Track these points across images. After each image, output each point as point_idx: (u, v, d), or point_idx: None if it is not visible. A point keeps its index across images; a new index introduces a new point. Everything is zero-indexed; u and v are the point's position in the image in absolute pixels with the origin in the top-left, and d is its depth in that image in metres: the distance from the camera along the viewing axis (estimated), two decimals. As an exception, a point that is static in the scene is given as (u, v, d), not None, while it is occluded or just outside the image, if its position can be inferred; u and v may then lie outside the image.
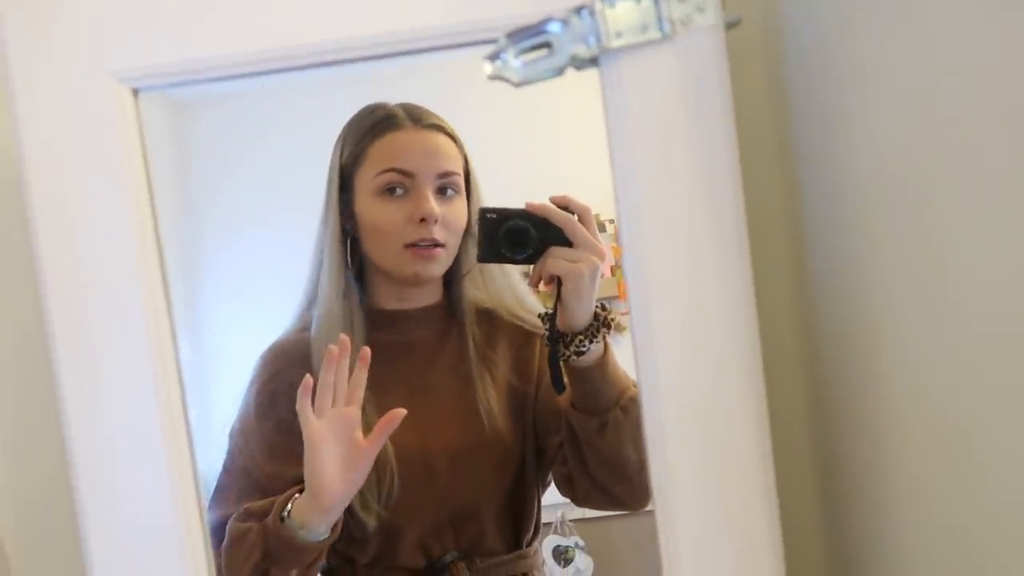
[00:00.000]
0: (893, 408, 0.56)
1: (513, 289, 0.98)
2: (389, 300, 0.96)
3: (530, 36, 0.56)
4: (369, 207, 0.93)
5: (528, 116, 2.00)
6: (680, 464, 0.58)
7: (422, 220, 0.90)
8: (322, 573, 0.94)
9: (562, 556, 1.96)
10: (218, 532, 0.88)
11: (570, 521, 1.99)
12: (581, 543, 1.99)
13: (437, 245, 0.91)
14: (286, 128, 2.04)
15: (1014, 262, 0.40)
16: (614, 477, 0.89)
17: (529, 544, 0.99)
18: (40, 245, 0.56)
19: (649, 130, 0.57)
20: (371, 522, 0.89)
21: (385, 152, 0.92)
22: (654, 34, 0.55)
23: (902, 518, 0.56)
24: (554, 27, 0.55)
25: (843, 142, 0.58)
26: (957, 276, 0.46)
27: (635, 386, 0.83)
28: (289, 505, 0.83)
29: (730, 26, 0.56)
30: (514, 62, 0.56)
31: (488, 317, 0.99)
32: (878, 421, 0.58)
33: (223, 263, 1.91)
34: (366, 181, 0.93)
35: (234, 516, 0.87)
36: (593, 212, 0.87)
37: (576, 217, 0.85)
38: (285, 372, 0.94)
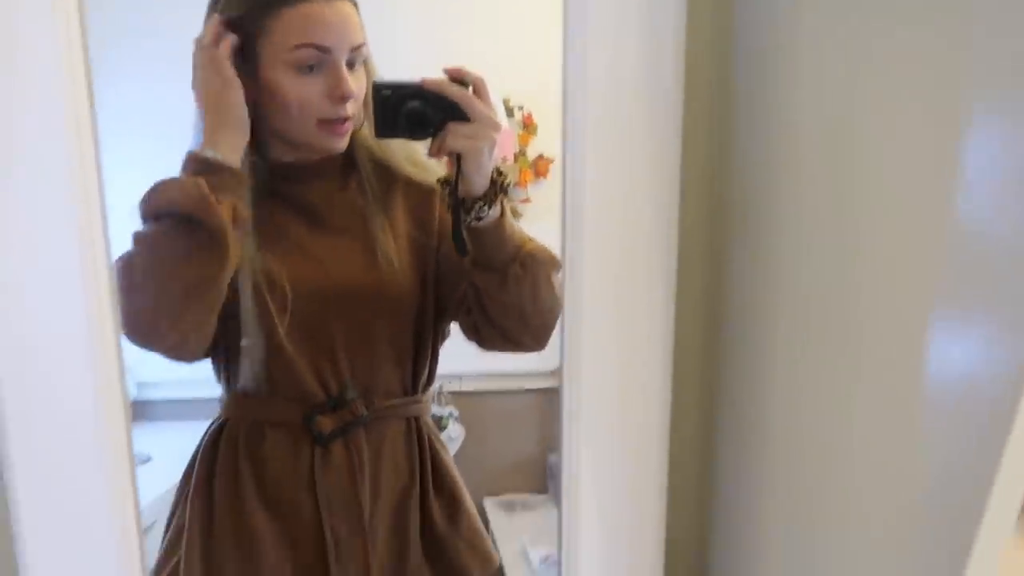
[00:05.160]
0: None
1: (405, 146, 0.97)
2: (286, 154, 0.94)
3: None
4: (281, 80, 0.88)
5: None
6: (592, 327, 0.62)
7: (340, 98, 0.89)
8: (223, 426, 0.96)
9: (436, 424, 1.99)
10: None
11: (448, 392, 2.06)
12: (455, 413, 2.06)
13: (347, 119, 0.90)
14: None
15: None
16: (517, 324, 0.94)
17: (424, 390, 1.03)
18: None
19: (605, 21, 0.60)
20: (274, 336, 0.90)
21: (300, 25, 0.86)
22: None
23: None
24: None
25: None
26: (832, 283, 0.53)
27: (531, 242, 0.93)
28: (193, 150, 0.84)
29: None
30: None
31: (384, 170, 0.99)
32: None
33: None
34: (276, 52, 0.87)
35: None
36: (502, 96, 0.97)
37: (471, 89, 0.84)
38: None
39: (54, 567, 0.59)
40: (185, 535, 0.94)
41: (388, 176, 0.98)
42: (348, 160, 0.97)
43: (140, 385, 1.90)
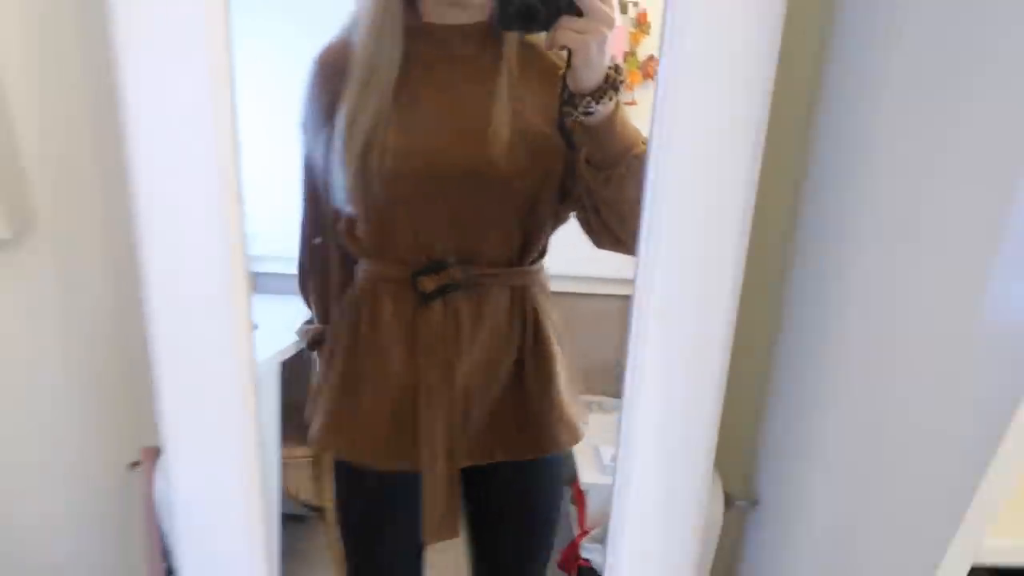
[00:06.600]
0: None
1: None
2: (431, 14, 0.99)
3: None
4: None
5: None
6: (671, 234, 0.66)
7: None
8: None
9: (521, 320, 2.05)
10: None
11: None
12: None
13: None
14: None
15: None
16: (621, 224, 0.97)
17: (532, 263, 1.08)
18: None
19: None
20: (381, 205, 1.01)
21: None
22: None
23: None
24: None
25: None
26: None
27: (644, 144, 0.91)
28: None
29: None
30: None
31: (530, 49, 1.00)
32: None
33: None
34: None
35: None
36: (613, -11, 0.85)
37: None
38: (327, 73, 1.01)
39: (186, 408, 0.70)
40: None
41: (531, 57, 1.00)
42: (493, 31, 0.98)
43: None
